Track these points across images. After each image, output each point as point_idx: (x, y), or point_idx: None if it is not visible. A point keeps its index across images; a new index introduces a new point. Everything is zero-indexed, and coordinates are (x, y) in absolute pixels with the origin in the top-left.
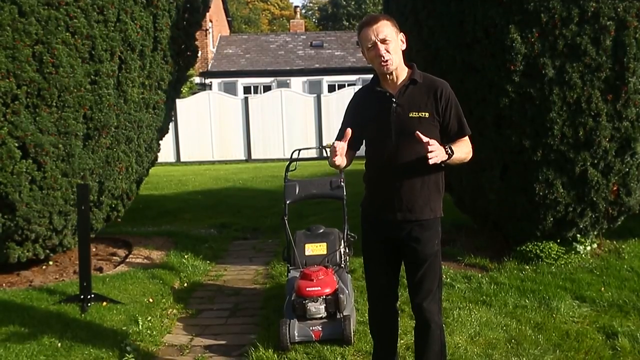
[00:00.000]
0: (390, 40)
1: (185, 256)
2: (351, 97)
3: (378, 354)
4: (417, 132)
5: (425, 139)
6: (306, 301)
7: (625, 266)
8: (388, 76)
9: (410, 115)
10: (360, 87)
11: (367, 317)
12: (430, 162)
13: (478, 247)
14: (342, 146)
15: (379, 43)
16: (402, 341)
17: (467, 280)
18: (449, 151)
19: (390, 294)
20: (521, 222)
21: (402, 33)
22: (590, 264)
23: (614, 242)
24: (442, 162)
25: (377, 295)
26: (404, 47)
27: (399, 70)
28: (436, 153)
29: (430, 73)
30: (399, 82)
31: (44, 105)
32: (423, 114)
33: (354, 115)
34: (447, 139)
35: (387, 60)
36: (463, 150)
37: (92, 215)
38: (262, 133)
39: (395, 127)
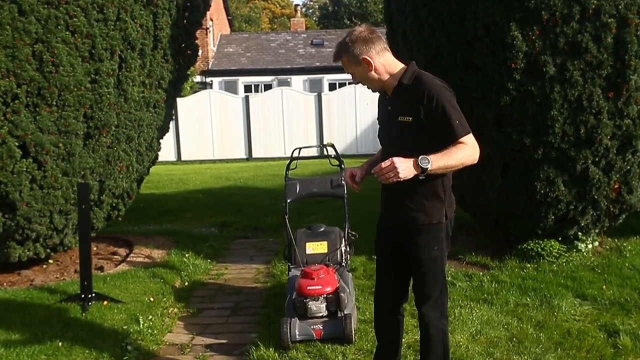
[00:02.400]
0: (353, 72)
1: (186, 255)
2: (353, 95)
3: (379, 353)
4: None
5: (384, 164)
6: (307, 300)
7: (627, 264)
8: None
9: (399, 119)
10: None
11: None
12: (387, 182)
13: (479, 246)
14: (350, 174)
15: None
16: (403, 340)
17: (469, 279)
18: (423, 164)
19: (393, 294)
20: (522, 220)
21: (366, 55)
22: (592, 262)
23: (616, 240)
24: (420, 174)
25: (380, 295)
26: (374, 65)
27: (387, 82)
28: (391, 173)
29: (430, 71)
30: (394, 85)
31: (44, 104)
32: (407, 118)
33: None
34: (437, 143)
35: (365, 86)
36: (454, 156)
37: (92, 214)
38: (262, 132)
39: (390, 130)
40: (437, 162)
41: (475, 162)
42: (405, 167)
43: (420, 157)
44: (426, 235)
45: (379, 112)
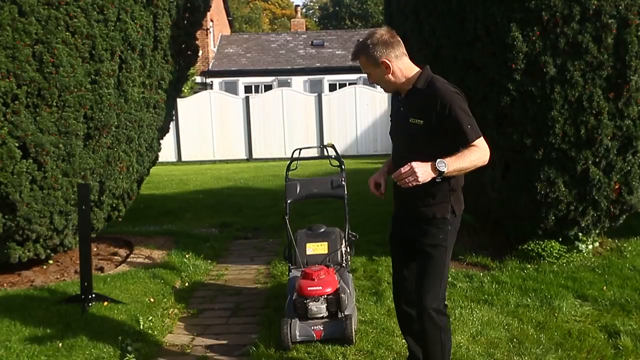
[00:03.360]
0: (369, 72)
1: (187, 256)
2: (353, 96)
3: (408, 348)
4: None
5: (403, 169)
6: (307, 300)
7: (627, 265)
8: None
9: (410, 120)
10: None
11: None
12: (406, 186)
13: (480, 246)
14: (374, 184)
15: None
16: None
17: (469, 279)
18: (441, 167)
19: (406, 287)
20: (523, 220)
21: (386, 59)
22: (592, 262)
23: (616, 241)
24: (437, 177)
25: (395, 288)
26: (392, 69)
27: (402, 85)
28: (410, 178)
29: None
30: (409, 88)
31: (44, 105)
32: (419, 121)
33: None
34: (444, 144)
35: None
36: (467, 159)
37: (93, 214)
38: (263, 132)
39: (400, 130)
40: (452, 164)
41: (486, 163)
42: (424, 171)
43: (437, 161)
44: (433, 226)
45: (392, 109)
